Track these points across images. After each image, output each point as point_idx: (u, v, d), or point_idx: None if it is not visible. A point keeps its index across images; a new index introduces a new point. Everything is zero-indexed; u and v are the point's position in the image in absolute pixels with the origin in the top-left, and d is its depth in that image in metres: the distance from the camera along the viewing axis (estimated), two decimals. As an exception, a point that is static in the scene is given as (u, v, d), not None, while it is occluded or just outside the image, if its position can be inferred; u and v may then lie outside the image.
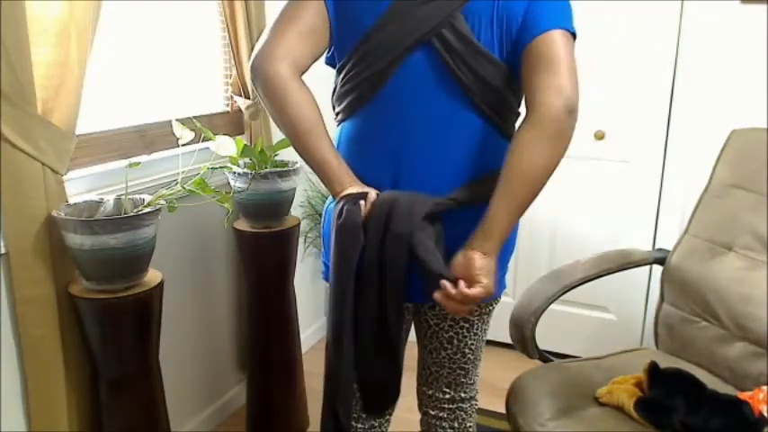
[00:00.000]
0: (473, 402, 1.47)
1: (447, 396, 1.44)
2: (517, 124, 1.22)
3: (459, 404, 1.45)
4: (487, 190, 1.14)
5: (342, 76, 1.22)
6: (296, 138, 1.18)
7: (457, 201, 1.18)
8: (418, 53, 1.15)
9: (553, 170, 1.09)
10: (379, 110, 1.19)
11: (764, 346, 1.55)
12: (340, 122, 1.27)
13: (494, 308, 1.37)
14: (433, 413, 1.46)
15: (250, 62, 1.18)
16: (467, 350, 1.39)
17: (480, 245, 1.11)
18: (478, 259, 1.10)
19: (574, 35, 1.13)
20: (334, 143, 1.25)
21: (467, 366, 1.41)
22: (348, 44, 1.18)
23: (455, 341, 1.37)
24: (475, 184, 1.19)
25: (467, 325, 1.35)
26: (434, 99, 1.16)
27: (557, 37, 1.09)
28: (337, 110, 1.27)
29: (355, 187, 1.18)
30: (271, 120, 2.16)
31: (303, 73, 1.18)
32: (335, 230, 1.18)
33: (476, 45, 1.13)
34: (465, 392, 1.45)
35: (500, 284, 1.32)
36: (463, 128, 1.18)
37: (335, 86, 1.26)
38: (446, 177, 1.19)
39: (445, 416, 1.45)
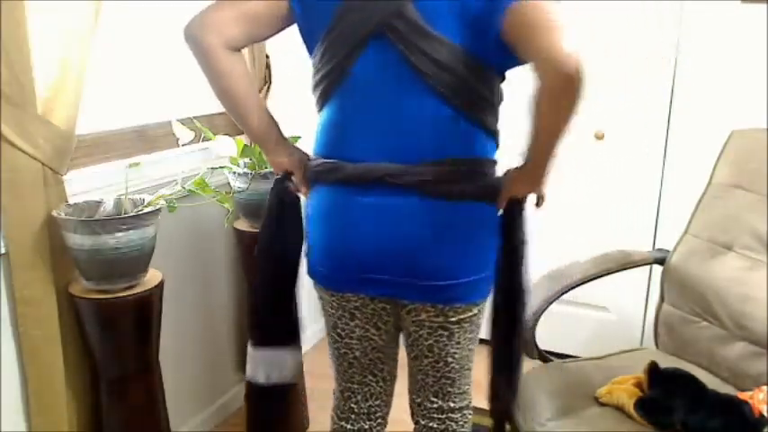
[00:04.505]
0: (465, 412, 1.44)
1: (435, 405, 1.41)
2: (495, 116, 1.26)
3: (449, 414, 1.42)
4: (449, 175, 1.17)
5: (313, 68, 1.26)
6: (228, 108, 1.27)
7: (413, 176, 1.18)
8: (375, 44, 1.16)
9: (570, 120, 1.08)
10: (345, 99, 1.23)
11: (764, 346, 1.55)
12: (318, 111, 1.30)
13: (476, 315, 1.32)
14: (423, 422, 1.45)
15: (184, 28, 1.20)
16: (449, 359, 1.35)
17: (522, 174, 1.21)
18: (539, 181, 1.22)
19: None
20: (316, 129, 1.30)
21: (452, 375, 1.38)
22: (315, 39, 1.22)
23: (435, 349, 1.34)
24: (434, 164, 1.18)
25: (446, 333, 1.31)
26: (393, 87, 1.18)
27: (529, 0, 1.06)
28: (314, 99, 1.30)
29: (278, 153, 1.32)
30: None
31: (236, 50, 1.21)
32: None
33: (427, 30, 1.13)
34: (454, 402, 1.41)
35: (477, 290, 1.28)
36: (423, 113, 1.18)
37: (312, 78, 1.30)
38: (408, 160, 1.19)
39: (435, 426, 1.42)
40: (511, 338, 1.32)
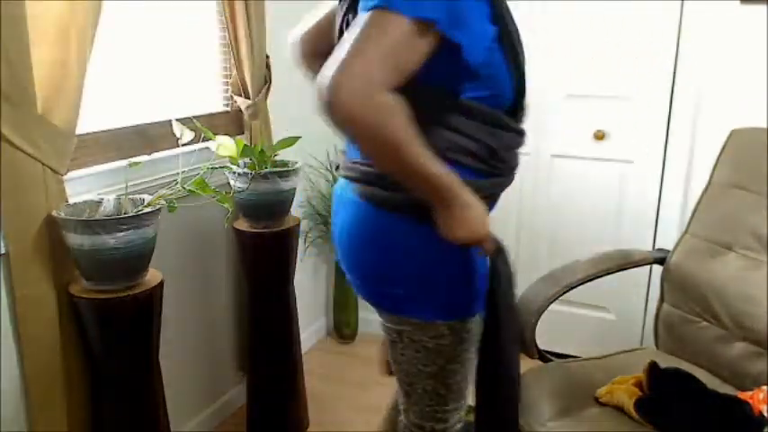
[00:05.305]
0: None
1: (402, 407, 1.37)
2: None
3: (408, 424, 1.35)
4: (368, 176, 1.16)
5: None
6: None
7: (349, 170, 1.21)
8: None
9: (388, 152, 0.97)
10: None
11: (764, 346, 1.55)
12: None
13: (416, 333, 1.21)
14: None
15: None
16: (396, 366, 1.29)
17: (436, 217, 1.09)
18: (440, 225, 1.09)
19: (426, 21, 0.94)
20: None
21: (403, 387, 1.31)
22: None
23: (390, 350, 1.30)
24: (364, 164, 1.18)
25: (389, 339, 1.27)
26: None
27: (362, 17, 0.95)
28: None
29: None
30: (270, 119, 2.17)
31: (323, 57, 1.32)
32: None
33: None
34: (407, 414, 1.33)
35: (414, 307, 1.20)
36: None
37: None
38: (354, 156, 1.22)
39: (401, 428, 1.38)
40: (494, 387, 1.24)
